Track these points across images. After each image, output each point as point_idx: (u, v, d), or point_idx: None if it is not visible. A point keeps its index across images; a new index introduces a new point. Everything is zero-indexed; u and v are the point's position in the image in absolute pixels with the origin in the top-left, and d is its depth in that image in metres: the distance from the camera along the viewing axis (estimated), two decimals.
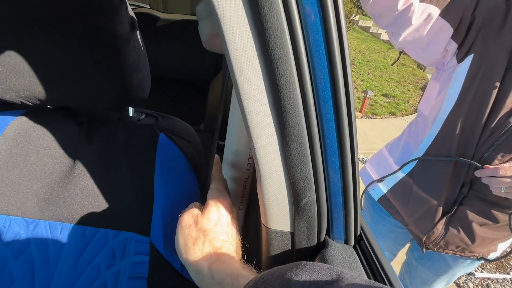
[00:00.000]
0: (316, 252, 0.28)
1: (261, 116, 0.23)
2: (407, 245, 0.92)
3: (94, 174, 0.45)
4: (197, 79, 1.62)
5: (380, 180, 0.78)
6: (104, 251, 0.45)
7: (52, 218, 0.44)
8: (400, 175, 0.72)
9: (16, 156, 0.43)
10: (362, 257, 0.27)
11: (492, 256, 0.67)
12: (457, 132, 0.58)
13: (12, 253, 0.42)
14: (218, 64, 1.51)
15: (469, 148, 0.57)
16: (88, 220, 0.44)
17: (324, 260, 0.26)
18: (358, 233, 0.30)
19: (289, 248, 0.29)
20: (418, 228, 0.69)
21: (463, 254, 0.66)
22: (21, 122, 0.44)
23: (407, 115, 3.98)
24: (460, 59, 0.55)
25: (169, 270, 0.43)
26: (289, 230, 0.28)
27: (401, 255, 0.97)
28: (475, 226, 0.61)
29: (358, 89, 4.68)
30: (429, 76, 5.18)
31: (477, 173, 0.57)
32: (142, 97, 0.46)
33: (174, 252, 0.45)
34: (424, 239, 0.67)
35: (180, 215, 0.37)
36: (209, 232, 0.33)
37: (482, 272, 1.89)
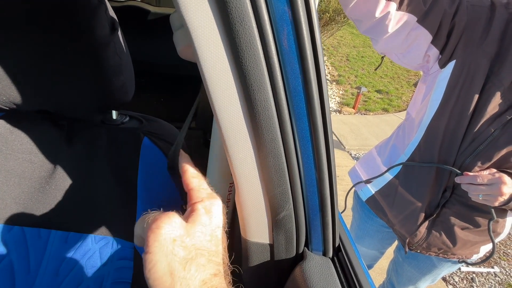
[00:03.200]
0: (294, 263, 0.29)
1: (236, 130, 0.22)
2: (395, 243, 0.94)
3: (76, 178, 0.45)
4: (189, 75, 1.59)
5: (368, 181, 0.79)
6: (87, 256, 0.44)
7: (32, 224, 0.43)
8: (388, 176, 0.73)
9: None
10: (339, 268, 0.28)
11: (474, 258, 0.69)
12: (439, 138, 0.58)
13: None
14: None
15: (450, 154, 0.58)
16: (70, 226, 0.44)
17: (302, 272, 0.27)
18: (337, 245, 0.30)
19: (269, 259, 0.29)
20: (402, 229, 0.70)
21: (445, 256, 0.68)
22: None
23: (400, 111, 4.02)
24: (442, 65, 0.55)
25: None
26: (268, 242, 0.28)
27: (390, 251, 0.99)
28: (457, 230, 0.62)
29: (352, 85, 4.69)
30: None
31: (457, 179, 0.57)
32: (124, 101, 0.45)
33: None
34: (407, 240, 0.69)
35: (151, 223, 0.26)
36: (203, 252, 0.24)
37: (467, 266, 1.95)
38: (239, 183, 0.25)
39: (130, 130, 0.47)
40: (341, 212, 0.82)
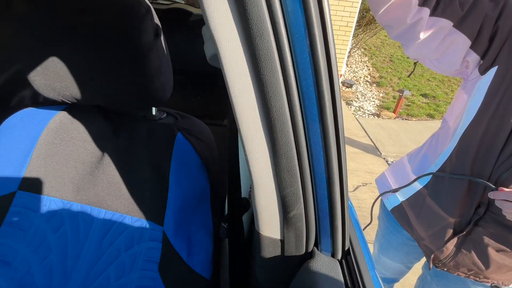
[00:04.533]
0: (303, 261, 0.30)
1: (254, 133, 0.25)
2: (424, 259, 0.88)
3: (119, 166, 0.51)
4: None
5: (395, 190, 0.76)
6: (125, 234, 0.50)
7: (84, 201, 0.50)
8: (417, 186, 0.70)
9: (56, 146, 0.50)
10: (346, 271, 0.28)
11: None
12: (474, 149, 0.54)
13: (50, 228, 0.49)
14: None
15: (485, 167, 0.53)
16: (113, 206, 0.50)
17: (308, 270, 0.28)
18: (346, 248, 0.31)
19: (279, 254, 0.31)
20: (427, 243, 0.66)
21: (477, 279, 0.62)
22: (61, 116, 0.51)
23: None
24: (483, 71, 0.51)
25: (177, 259, 0.47)
26: (279, 238, 0.30)
27: (418, 266, 0.93)
28: (491, 251, 0.57)
29: (394, 87, 4.42)
30: None
31: (490, 195, 0.53)
32: (163, 99, 0.50)
33: (183, 242, 0.49)
34: (432, 256, 0.65)
35: None
36: None
37: None
38: (254, 180, 0.27)
39: (166, 126, 0.52)
40: (367, 225, 0.80)
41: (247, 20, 0.20)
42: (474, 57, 0.51)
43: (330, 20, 0.21)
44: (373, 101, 4.01)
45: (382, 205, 0.85)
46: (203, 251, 0.47)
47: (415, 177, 0.71)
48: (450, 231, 0.62)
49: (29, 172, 0.49)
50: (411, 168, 0.75)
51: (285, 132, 0.24)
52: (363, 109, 3.77)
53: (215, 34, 0.21)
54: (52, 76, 0.43)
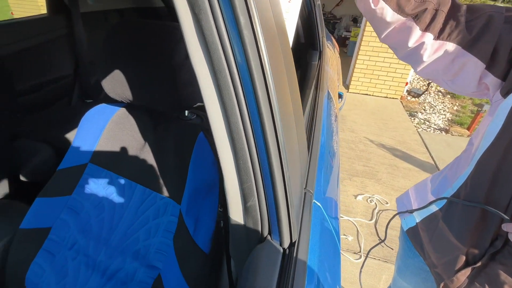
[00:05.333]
0: (258, 243, 0.37)
1: (222, 141, 0.34)
2: None
3: (154, 153, 0.66)
4: None
5: (411, 211, 0.73)
6: (153, 207, 0.65)
7: (129, 177, 0.67)
8: (433, 208, 0.67)
9: (115, 133, 0.67)
10: (286, 259, 0.34)
11: None
12: (490, 176, 0.50)
13: (106, 193, 0.67)
14: None
15: (502, 197, 0.48)
16: (147, 184, 0.65)
17: (257, 251, 0.35)
18: (294, 240, 0.36)
19: (243, 235, 0.39)
20: (438, 271, 0.62)
21: None
22: (121, 112, 0.68)
23: None
24: (504, 94, 0.47)
25: (186, 232, 0.59)
26: (242, 223, 0.38)
27: None
28: None
29: (474, 100, 3.82)
30: None
31: (504, 227, 0.48)
32: (191, 105, 0.62)
33: (191, 220, 0.61)
34: (442, 284, 0.61)
35: None
36: None
37: None
38: (225, 176, 0.36)
39: (193, 126, 0.65)
40: (379, 243, 0.79)
41: (211, 61, 0.29)
42: (492, 79, 0.49)
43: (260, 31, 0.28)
44: (444, 114, 3.56)
45: (401, 225, 0.82)
46: (206, 230, 0.58)
47: (433, 198, 0.68)
48: (463, 261, 0.58)
49: (97, 151, 0.68)
50: (430, 189, 0.72)
51: (240, 141, 0.32)
52: (429, 122, 3.39)
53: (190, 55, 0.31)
54: (117, 83, 0.59)
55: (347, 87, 3.88)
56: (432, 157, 2.65)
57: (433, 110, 3.64)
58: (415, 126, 3.22)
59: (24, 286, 0.62)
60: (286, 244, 0.36)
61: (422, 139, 2.94)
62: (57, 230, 0.65)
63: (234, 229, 0.39)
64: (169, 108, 0.66)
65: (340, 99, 1.13)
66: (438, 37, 0.49)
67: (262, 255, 0.35)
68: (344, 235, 1.75)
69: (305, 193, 0.43)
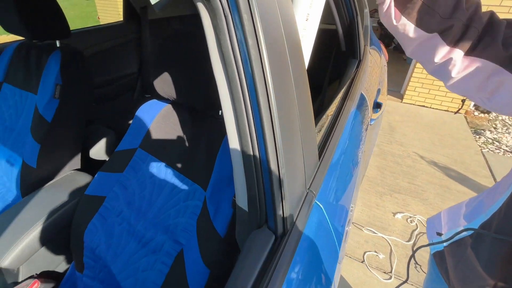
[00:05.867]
0: (256, 228, 0.43)
1: (232, 137, 0.40)
2: None
3: (190, 144, 0.76)
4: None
5: (440, 234, 0.70)
6: (184, 191, 0.75)
7: (168, 162, 0.78)
8: (462, 233, 0.63)
9: (160, 126, 0.80)
10: (276, 247, 0.39)
11: None
12: None
13: (149, 174, 0.79)
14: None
15: None
16: (181, 170, 0.76)
17: (253, 235, 0.41)
18: (286, 230, 0.41)
19: (245, 221, 0.45)
20: None
21: None
22: (167, 108, 0.80)
23: None
24: None
25: (207, 216, 0.67)
26: (246, 210, 0.44)
27: None
28: None
29: None
30: None
31: None
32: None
33: (213, 206, 0.69)
34: None
35: None
36: None
37: None
38: (234, 167, 0.43)
39: (222, 124, 0.73)
40: (401, 283, 0.77)
41: (227, 72, 0.36)
42: None
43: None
44: None
45: (430, 248, 0.78)
46: (224, 216, 0.65)
47: (465, 222, 0.64)
48: None
49: (145, 138, 0.81)
50: (464, 212, 0.68)
51: (245, 139, 0.38)
52: (499, 142, 2.96)
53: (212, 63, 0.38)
54: (165, 83, 0.71)
55: (401, 96, 3.62)
56: (493, 175, 2.32)
57: (507, 130, 3.16)
58: (480, 146, 2.84)
59: (82, 241, 0.78)
60: (279, 232, 0.41)
61: (486, 161, 2.59)
62: (110, 199, 0.80)
63: (239, 215, 0.45)
64: (206, 107, 0.76)
65: (377, 109, 1.10)
66: (469, 53, 0.48)
67: (255, 239, 0.40)
68: (375, 252, 1.67)
69: (307, 192, 0.47)
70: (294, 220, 0.42)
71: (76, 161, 1.01)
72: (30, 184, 0.90)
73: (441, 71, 0.51)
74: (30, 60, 0.96)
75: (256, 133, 0.37)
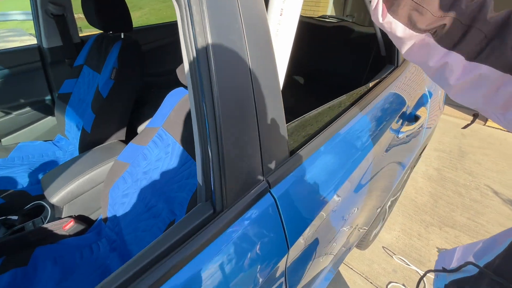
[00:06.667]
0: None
1: (194, 121, 0.45)
2: None
3: None
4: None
5: (444, 270, 0.61)
6: (188, 170, 0.83)
7: (180, 143, 0.88)
8: (465, 271, 0.54)
9: (181, 109, 0.90)
10: (210, 220, 0.42)
11: None
12: None
13: (164, 149, 0.90)
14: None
15: None
16: (189, 151, 0.84)
17: (196, 207, 0.45)
18: (225, 208, 0.43)
19: (200, 194, 0.49)
20: None
21: None
22: (185, 96, 0.90)
23: None
24: None
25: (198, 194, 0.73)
26: (201, 184, 0.49)
27: None
28: None
29: None
30: None
31: None
32: None
33: None
34: None
35: None
36: None
37: None
38: (196, 145, 0.48)
39: None
40: None
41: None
42: None
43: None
44: None
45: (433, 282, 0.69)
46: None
47: (473, 260, 0.55)
48: None
49: (168, 119, 0.93)
50: (477, 250, 0.58)
51: (199, 119, 0.43)
52: None
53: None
54: (180, 71, 0.80)
55: (484, 118, 3.04)
56: None
57: None
58: None
59: (108, 196, 0.95)
60: (217, 208, 0.44)
61: None
62: (132, 166, 0.94)
63: (197, 188, 0.50)
64: None
65: (413, 122, 0.99)
66: (472, 58, 0.42)
67: (196, 209, 0.44)
68: (403, 285, 1.48)
69: (262, 181, 0.48)
70: (237, 200, 0.44)
71: (122, 133, 1.21)
72: (85, 145, 1.13)
73: (439, 77, 0.45)
74: (101, 48, 1.20)
75: (207, 114, 0.41)
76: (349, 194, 0.70)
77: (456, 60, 0.42)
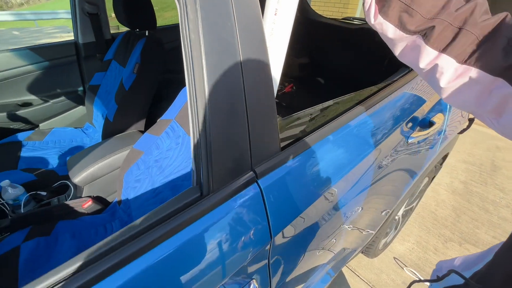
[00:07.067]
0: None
1: (190, 109, 0.49)
2: None
3: None
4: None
5: (427, 280, 0.59)
6: (184, 145, 0.88)
7: (186, 130, 0.93)
8: (449, 281, 0.52)
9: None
10: (193, 202, 0.45)
11: None
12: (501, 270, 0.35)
13: (175, 139, 0.96)
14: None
15: None
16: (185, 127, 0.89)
17: (187, 189, 0.49)
18: (211, 192, 0.46)
19: (192, 177, 0.53)
20: None
21: None
22: None
23: None
24: None
25: None
26: (194, 169, 0.52)
27: None
28: None
29: None
30: None
31: None
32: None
33: None
34: None
35: None
36: None
37: None
38: (191, 132, 0.51)
39: None
40: None
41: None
42: None
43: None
44: None
45: None
46: None
47: (466, 269, 0.54)
48: None
49: (180, 112, 0.99)
50: (473, 259, 0.57)
51: (192, 109, 0.47)
52: None
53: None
54: None
55: None
56: None
57: None
58: None
59: (123, 181, 1.03)
60: (204, 192, 0.47)
61: None
62: (146, 154, 1.01)
63: (191, 171, 0.54)
64: None
65: (424, 128, 0.95)
66: (463, 61, 0.41)
67: (184, 192, 0.48)
68: None
69: (250, 171, 0.51)
70: (223, 186, 0.47)
71: (141, 124, 1.30)
72: (107, 133, 1.23)
73: (430, 79, 0.45)
74: (128, 44, 1.30)
75: (197, 106, 0.44)
76: (346, 193, 0.71)
77: (447, 62, 0.42)
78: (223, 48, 0.43)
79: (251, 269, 0.53)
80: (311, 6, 2.17)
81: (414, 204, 1.68)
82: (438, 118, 1.01)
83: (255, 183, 0.51)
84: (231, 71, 0.45)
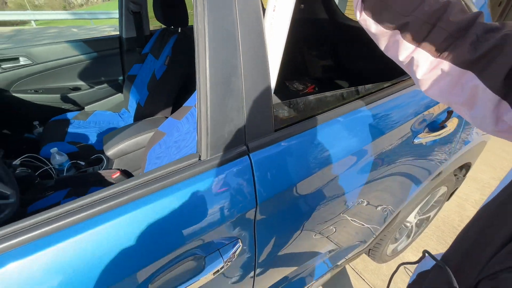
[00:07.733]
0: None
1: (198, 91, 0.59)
2: None
3: None
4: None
5: (415, 262, 0.62)
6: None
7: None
8: (429, 263, 0.55)
9: None
10: (191, 165, 0.54)
11: None
12: (466, 243, 0.38)
13: (193, 128, 1.07)
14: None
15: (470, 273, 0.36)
16: None
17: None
18: (207, 158, 0.55)
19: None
20: None
21: None
22: None
23: None
24: None
25: None
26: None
27: None
28: None
29: None
30: None
31: None
32: None
33: None
34: None
35: None
36: None
37: None
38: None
39: None
40: None
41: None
42: None
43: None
44: None
45: None
46: None
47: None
48: None
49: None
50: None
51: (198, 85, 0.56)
52: None
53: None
54: None
55: None
56: None
57: None
58: None
59: (146, 157, 1.17)
60: (202, 157, 0.56)
61: None
62: (167, 136, 1.14)
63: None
64: None
65: (434, 130, 0.95)
66: (435, 55, 0.45)
67: (186, 156, 0.57)
68: None
69: (244, 145, 0.59)
70: (218, 154, 0.56)
71: (168, 111, 1.45)
72: (138, 117, 1.39)
73: (410, 72, 0.49)
74: (163, 39, 1.46)
75: (200, 81, 0.54)
76: (339, 180, 0.75)
77: (422, 56, 0.46)
78: (224, 35, 0.52)
79: (238, 230, 0.60)
80: (347, 11, 2.19)
81: (432, 214, 1.62)
82: (452, 123, 1.00)
83: (247, 155, 0.59)
84: (230, 52, 0.53)
